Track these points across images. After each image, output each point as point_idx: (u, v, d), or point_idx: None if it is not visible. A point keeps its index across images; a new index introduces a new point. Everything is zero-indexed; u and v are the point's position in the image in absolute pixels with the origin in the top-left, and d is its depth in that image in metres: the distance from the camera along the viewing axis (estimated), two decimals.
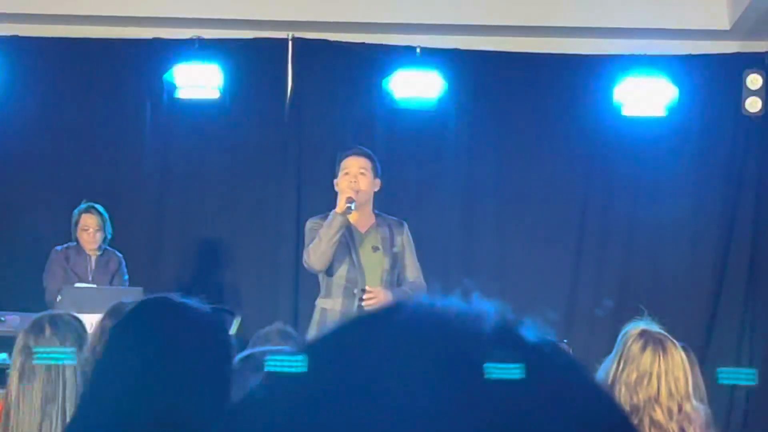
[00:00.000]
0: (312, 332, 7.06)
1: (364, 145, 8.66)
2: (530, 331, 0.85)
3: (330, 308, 7.02)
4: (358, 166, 7.02)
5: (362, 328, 0.86)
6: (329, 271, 7.00)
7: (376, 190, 7.12)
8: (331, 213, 6.94)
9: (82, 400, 2.35)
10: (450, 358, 0.81)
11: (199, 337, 2.26)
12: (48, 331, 4.04)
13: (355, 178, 6.97)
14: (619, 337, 4.03)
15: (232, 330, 2.40)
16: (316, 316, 7.16)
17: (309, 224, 7.16)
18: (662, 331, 3.99)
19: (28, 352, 4.01)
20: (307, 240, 7.10)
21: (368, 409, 0.79)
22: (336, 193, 7.04)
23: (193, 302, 2.35)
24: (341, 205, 6.90)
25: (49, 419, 3.93)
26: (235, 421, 0.86)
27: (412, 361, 0.81)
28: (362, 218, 7.03)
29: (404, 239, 7.18)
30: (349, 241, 6.98)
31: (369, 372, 0.81)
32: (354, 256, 7.00)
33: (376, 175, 7.09)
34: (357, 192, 6.92)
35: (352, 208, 6.88)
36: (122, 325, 2.30)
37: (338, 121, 9.77)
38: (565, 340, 7.11)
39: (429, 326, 0.83)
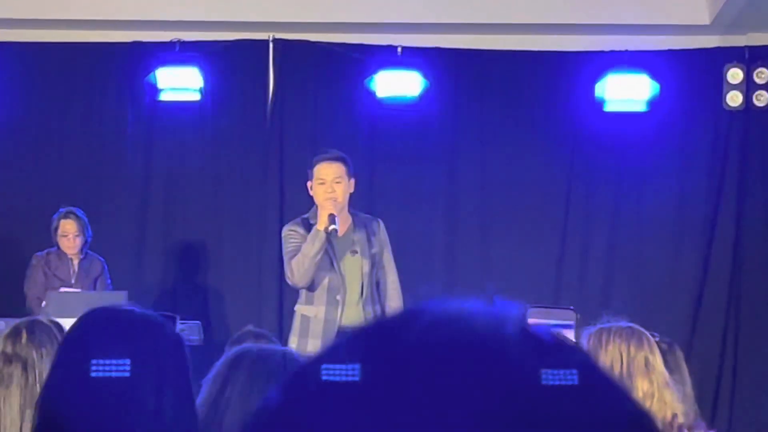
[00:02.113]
0: (293, 339, 7.02)
1: (346, 146, 8.67)
2: (547, 330, 0.85)
3: (313, 316, 6.99)
4: (333, 174, 6.94)
5: (384, 333, 0.85)
6: (311, 285, 6.99)
7: (351, 191, 7.07)
8: (313, 228, 6.87)
9: (41, 410, 2.36)
10: (474, 362, 0.80)
11: (150, 338, 2.28)
12: (25, 336, 4.07)
13: (332, 187, 6.91)
14: (588, 337, 4.02)
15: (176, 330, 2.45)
16: (296, 323, 7.11)
17: (285, 231, 7.11)
18: (640, 328, 4.00)
19: (5, 357, 4.03)
20: (285, 248, 7.05)
21: (393, 417, 0.78)
22: (312, 198, 7.01)
23: (137, 308, 2.39)
24: (323, 220, 6.85)
25: (29, 424, 3.96)
26: (255, 430, 0.85)
27: (436, 366, 0.80)
28: (339, 223, 6.98)
29: (381, 238, 7.14)
30: (328, 248, 6.94)
31: (392, 378, 0.80)
32: (334, 263, 6.97)
33: (350, 178, 7.03)
34: (335, 201, 6.88)
35: (337, 228, 6.84)
36: (74, 335, 2.32)
37: (320, 122, 9.77)
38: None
39: (451, 331, 0.83)
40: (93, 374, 2.18)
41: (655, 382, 3.81)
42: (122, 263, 9.25)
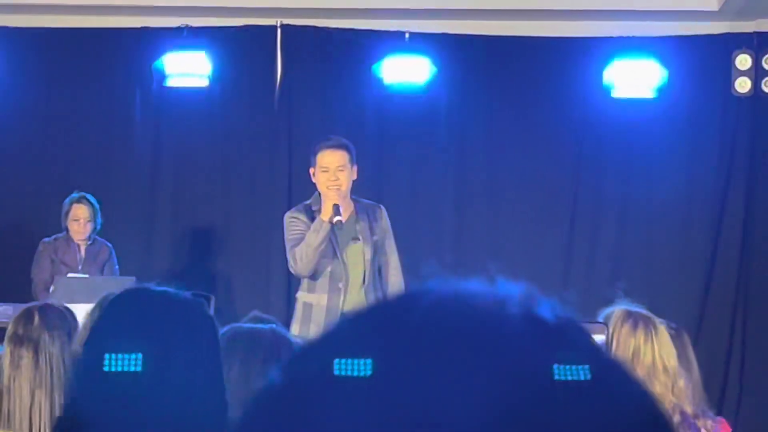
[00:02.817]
0: (295, 327, 7.00)
1: (354, 131, 8.67)
2: (550, 311, 0.84)
3: (315, 303, 6.99)
4: (337, 162, 6.89)
5: (386, 314, 0.85)
6: (314, 273, 6.99)
7: (354, 178, 7.05)
8: (317, 218, 6.84)
9: (71, 392, 2.37)
10: (476, 343, 0.80)
11: (183, 319, 2.28)
12: (37, 319, 4.10)
13: (335, 175, 6.88)
14: (602, 319, 4.03)
15: (211, 311, 2.46)
16: (298, 310, 7.10)
17: (288, 218, 7.06)
18: (646, 312, 4.00)
19: (16, 339, 4.07)
20: (287, 235, 7.02)
21: (396, 400, 0.78)
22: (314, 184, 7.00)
23: (170, 289, 2.38)
24: (327, 210, 6.82)
25: (38, 405, 4.01)
26: (258, 411, 0.85)
27: (438, 348, 0.80)
28: (343, 211, 6.99)
29: (383, 225, 7.12)
30: (331, 236, 6.93)
31: (395, 360, 0.80)
32: (337, 250, 6.97)
33: (353, 165, 6.98)
34: (338, 190, 6.86)
35: (342, 221, 6.82)
36: (105, 317, 2.32)
37: (328, 108, 9.77)
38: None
39: (453, 312, 0.82)
40: (123, 356, 2.19)
41: (677, 382, 3.78)
42: (130, 249, 9.25)
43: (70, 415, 2.26)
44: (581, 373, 0.80)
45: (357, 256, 7.02)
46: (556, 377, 0.79)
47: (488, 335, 0.80)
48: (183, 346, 2.24)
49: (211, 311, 2.41)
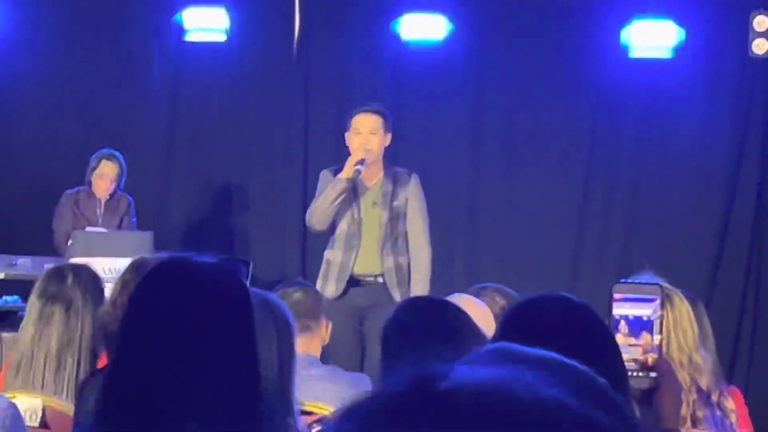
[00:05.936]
0: (318, 281, 7.22)
1: (371, 88, 8.71)
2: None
3: (332, 260, 7.25)
4: (369, 126, 7.17)
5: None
6: (332, 226, 7.20)
7: (387, 144, 7.27)
8: (338, 175, 7.09)
9: (113, 366, 2.40)
10: None
11: (218, 294, 2.30)
12: (70, 278, 4.07)
13: (367, 138, 7.14)
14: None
15: (248, 279, 2.44)
16: (323, 265, 7.36)
17: (322, 175, 7.35)
18: (667, 285, 3.99)
19: (49, 296, 4.03)
20: (318, 191, 7.28)
21: None
22: (347, 148, 7.19)
23: (207, 258, 2.39)
24: (348, 169, 7.04)
25: (64, 366, 3.95)
26: None
27: None
28: (370, 173, 7.18)
29: (409, 193, 7.28)
30: (352, 195, 7.14)
31: None
32: (355, 211, 7.17)
33: (387, 131, 7.24)
34: (368, 151, 7.10)
35: (361, 170, 7.04)
36: (142, 289, 2.35)
37: (346, 64, 9.78)
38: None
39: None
40: (154, 334, 2.22)
41: (693, 358, 3.79)
42: (148, 203, 9.29)
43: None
44: None
45: (374, 219, 7.23)
46: None
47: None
48: (216, 329, 2.25)
49: (248, 278, 2.39)
